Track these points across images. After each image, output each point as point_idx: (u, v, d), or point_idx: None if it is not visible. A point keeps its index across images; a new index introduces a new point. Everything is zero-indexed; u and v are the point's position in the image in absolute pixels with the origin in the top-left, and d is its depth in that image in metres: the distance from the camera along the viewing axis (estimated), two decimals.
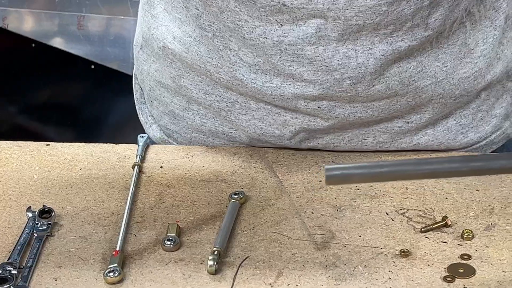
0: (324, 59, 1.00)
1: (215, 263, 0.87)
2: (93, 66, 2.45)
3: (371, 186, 1.01)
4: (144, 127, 1.21)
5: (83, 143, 1.09)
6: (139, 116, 1.21)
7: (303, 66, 1.01)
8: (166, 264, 0.89)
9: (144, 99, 1.19)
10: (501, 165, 0.75)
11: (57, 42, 2.48)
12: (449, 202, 0.97)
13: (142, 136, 1.09)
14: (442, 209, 0.96)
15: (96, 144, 1.09)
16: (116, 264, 0.87)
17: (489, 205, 0.97)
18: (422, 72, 1.04)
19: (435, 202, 0.98)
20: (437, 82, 1.05)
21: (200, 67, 1.06)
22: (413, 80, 1.04)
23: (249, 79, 1.04)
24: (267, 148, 1.10)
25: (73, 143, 1.09)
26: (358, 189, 1.00)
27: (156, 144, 1.14)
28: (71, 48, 2.47)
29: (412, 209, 0.97)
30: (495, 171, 0.76)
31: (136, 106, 1.21)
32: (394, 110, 1.05)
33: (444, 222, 0.93)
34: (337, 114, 1.04)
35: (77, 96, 2.59)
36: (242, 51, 1.02)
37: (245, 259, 0.90)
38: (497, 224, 0.94)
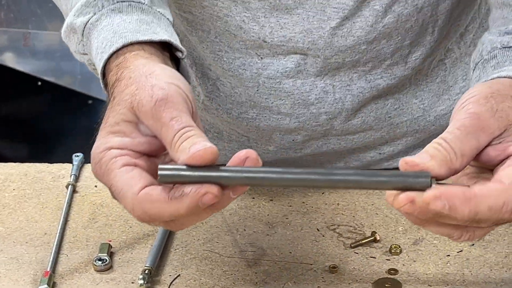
0: (302, 92, 1.00)
1: (146, 282, 0.88)
2: (39, 83, 2.44)
3: (303, 202, 1.02)
4: None
5: (17, 163, 1.09)
6: None
7: (280, 99, 1.01)
8: (97, 284, 0.89)
9: None
10: (315, 178, 0.76)
11: (5, 59, 2.47)
12: (379, 218, 0.99)
13: (77, 155, 1.09)
14: (372, 224, 0.98)
15: (31, 164, 1.09)
16: (46, 285, 0.87)
17: None
18: (399, 109, 1.05)
19: (365, 218, 0.99)
20: (413, 119, 1.06)
21: None
22: (389, 117, 1.04)
23: (225, 109, 1.04)
24: None
25: (6, 163, 1.08)
26: (290, 206, 1.01)
27: None
28: (18, 64, 2.46)
29: (342, 225, 0.98)
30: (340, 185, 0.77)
31: None
32: (368, 142, 1.06)
33: (373, 238, 0.95)
34: (310, 144, 1.05)
35: (26, 113, 2.58)
36: (220, 80, 1.03)
37: (176, 278, 0.90)
38: (424, 239, 0.95)
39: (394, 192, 0.75)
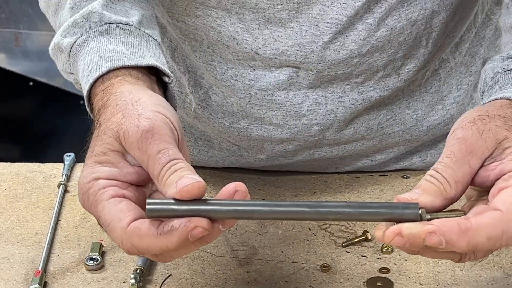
0: (294, 104, 1.00)
1: (137, 281, 0.88)
2: (31, 83, 2.44)
3: None
4: None
5: (8, 163, 1.09)
6: None
7: (272, 110, 1.01)
8: (89, 284, 0.89)
9: None
10: (304, 211, 0.76)
11: None
12: None
13: (69, 155, 1.09)
14: (363, 223, 0.98)
15: (22, 163, 1.09)
16: (37, 285, 0.87)
17: None
18: (391, 119, 1.04)
19: None
20: (406, 129, 1.05)
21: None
22: (381, 127, 1.04)
23: (216, 118, 1.04)
24: (193, 165, 1.10)
25: None
26: None
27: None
28: (10, 64, 2.45)
29: (334, 224, 0.98)
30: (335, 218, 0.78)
31: None
32: (360, 150, 1.06)
33: (364, 237, 0.95)
34: (301, 153, 1.05)
35: (18, 113, 2.58)
36: (213, 89, 1.03)
37: (167, 277, 0.90)
38: None
39: (382, 227, 0.75)
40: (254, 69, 0.99)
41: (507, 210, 0.74)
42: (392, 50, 0.98)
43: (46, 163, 1.09)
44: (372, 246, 0.94)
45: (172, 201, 0.75)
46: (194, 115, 1.05)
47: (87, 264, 0.91)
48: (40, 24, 2.38)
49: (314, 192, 1.04)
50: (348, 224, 0.98)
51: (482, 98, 0.89)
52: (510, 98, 0.82)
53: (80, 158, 1.10)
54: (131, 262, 0.92)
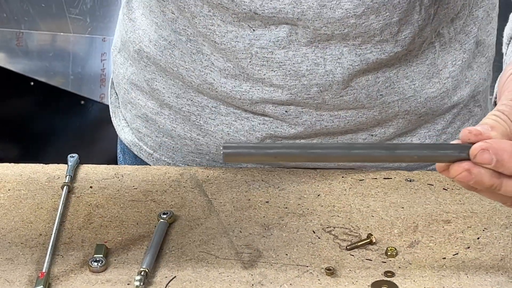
0: (293, 63, 1.02)
1: (142, 283, 0.88)
2: (32, 83, 2.44)
3: (299, 204, 1.02)
4: (116, 130, 1.23)
5: (12, 164, 1.08)
6: (112, 119, 1.23)
7: (272, 70, 1.03)
8: (93, 286, 0.89)
9: (119, 103, 1.21)
10: (380, 154, 0.79)
11: None
12: (375, 220, 0.99)
13: (72, 156, 1.09)
14: (368, 226, 0.98)
15: (26, 164, 1.09)
16: (41, 286, 0.87)
17: (413, 222, 0.98)
18: (390, 87, 1.06)
19: (361, 220, 0.99)
20: (404, 99, 1.07)
21: (173, 70, 1.08)
22: (380, 95, 1.06)
23: (219, 83, 1.06)
24: (198, 167, 1.10)
25: (1, 164, 1.08)
26: (286, 208, 1.01)
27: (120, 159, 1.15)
28: (11, 64, 2.45)
29: (338, 227, 0.98)
30: (374, 159, 0.81)
31: (110, 109, 1.24)
32: (360, 122, 1.08)
33: (369, 240, 0.95)
34: (303, 121, 1.06)
35: (18, 113, 2.57)
36: (214, 55, 1.05)
37: (172, 279, 0.90)
38: (420, 241, 0.95)
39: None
40: (253, 30, 1.01)
41: None
42: (387, 13, 1.00)
43: (50, 164, 1.09)
44: (377, 250, 0.94)
45: (250, 144, 0.79)
46: (198, 82, 1.07)
47: (91, 266, 0.91)
48: (41, 24, 2.37)
49: (318, 195, 1.04)
50: (352, 227, 0.98)
51: (509, 44, 0.93)
52: None
53: (83, 159, 1.10)
54: (135, 264, 0.92)
